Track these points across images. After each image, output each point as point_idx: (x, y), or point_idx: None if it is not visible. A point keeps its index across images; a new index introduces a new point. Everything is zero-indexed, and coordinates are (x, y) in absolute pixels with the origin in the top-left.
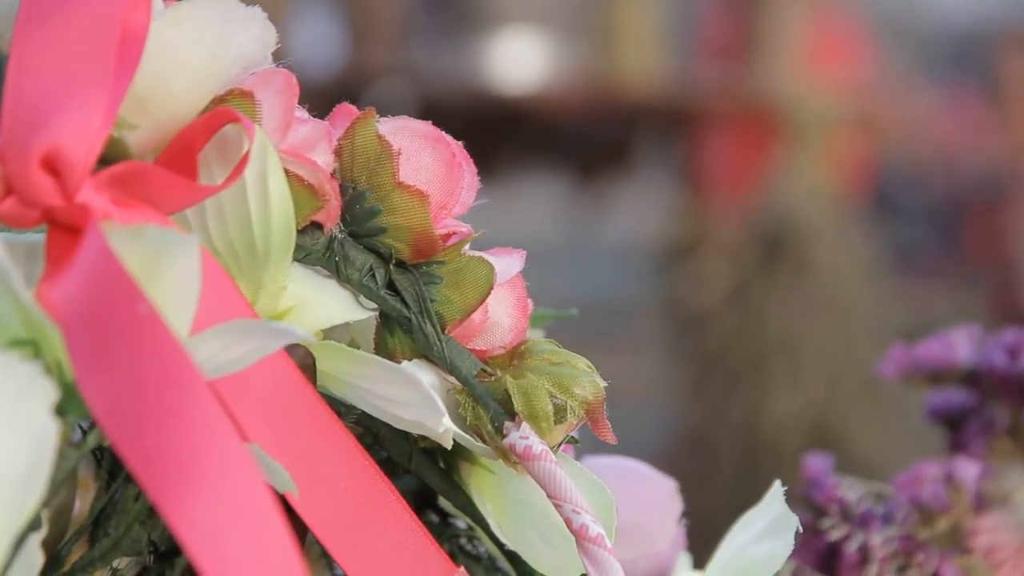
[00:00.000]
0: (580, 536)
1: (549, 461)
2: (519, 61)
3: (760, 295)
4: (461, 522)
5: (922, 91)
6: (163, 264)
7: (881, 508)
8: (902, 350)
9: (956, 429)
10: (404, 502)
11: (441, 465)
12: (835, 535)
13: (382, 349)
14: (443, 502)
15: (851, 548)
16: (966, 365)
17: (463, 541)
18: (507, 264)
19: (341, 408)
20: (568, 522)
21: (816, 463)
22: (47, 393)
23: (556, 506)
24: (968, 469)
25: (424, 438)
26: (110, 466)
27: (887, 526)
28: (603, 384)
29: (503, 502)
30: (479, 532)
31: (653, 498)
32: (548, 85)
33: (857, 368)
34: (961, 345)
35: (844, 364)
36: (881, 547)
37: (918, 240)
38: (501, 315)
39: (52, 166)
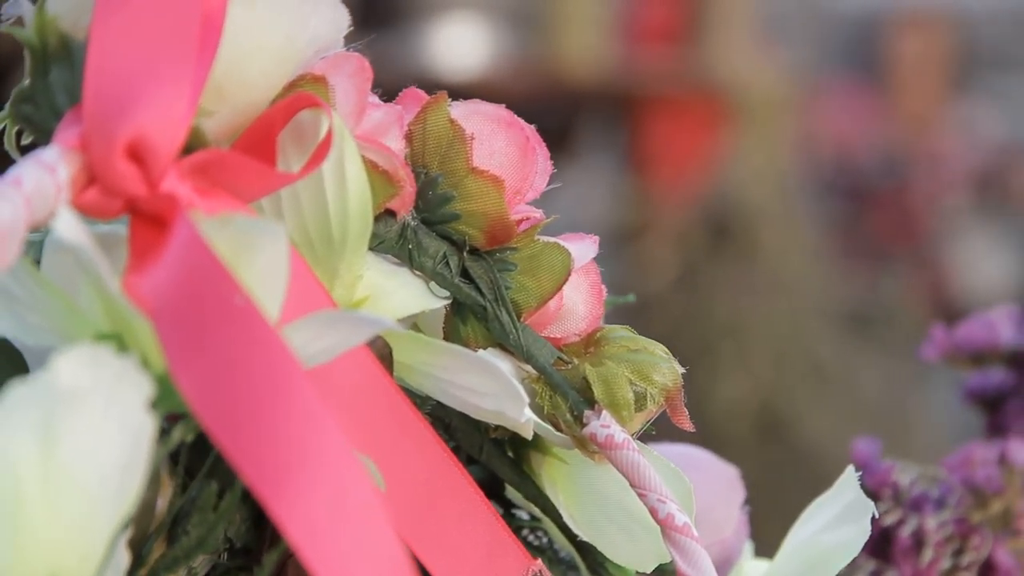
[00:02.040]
0: (666, 525)
1: (632, 450)
2: (462, 48)
3: (707, 279)
4: (524, 513)
5: (819, 77)
6: (251, 253)
7: (935, 491)
8: (944, 332)
9: (994, 410)
10: (482, 494)
11: (510, 455)
12: (888, 520)
13: (453, 338)
14: (509, 492)
15: (905, 533)
16: (1009, 346)
17: (526, 532)
18: (581, 250)
19: (416, 399)
20: (653, 512)
21: (864, 447)
22: (142, 388)
23: (640, 495)
24: (1021, 451)
25: (495, 428)
26: (188, 463)
27: (940, 510)
28: (681, 371)
29: (576, 492)
30: (545, 523)
31: (716, 485)
32: (491, 71)
33: (804, 350)
34: (1003, 325)
35: (791, 347)
36: (936, 531)
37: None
38: (576, 302)
39: (136, 154)
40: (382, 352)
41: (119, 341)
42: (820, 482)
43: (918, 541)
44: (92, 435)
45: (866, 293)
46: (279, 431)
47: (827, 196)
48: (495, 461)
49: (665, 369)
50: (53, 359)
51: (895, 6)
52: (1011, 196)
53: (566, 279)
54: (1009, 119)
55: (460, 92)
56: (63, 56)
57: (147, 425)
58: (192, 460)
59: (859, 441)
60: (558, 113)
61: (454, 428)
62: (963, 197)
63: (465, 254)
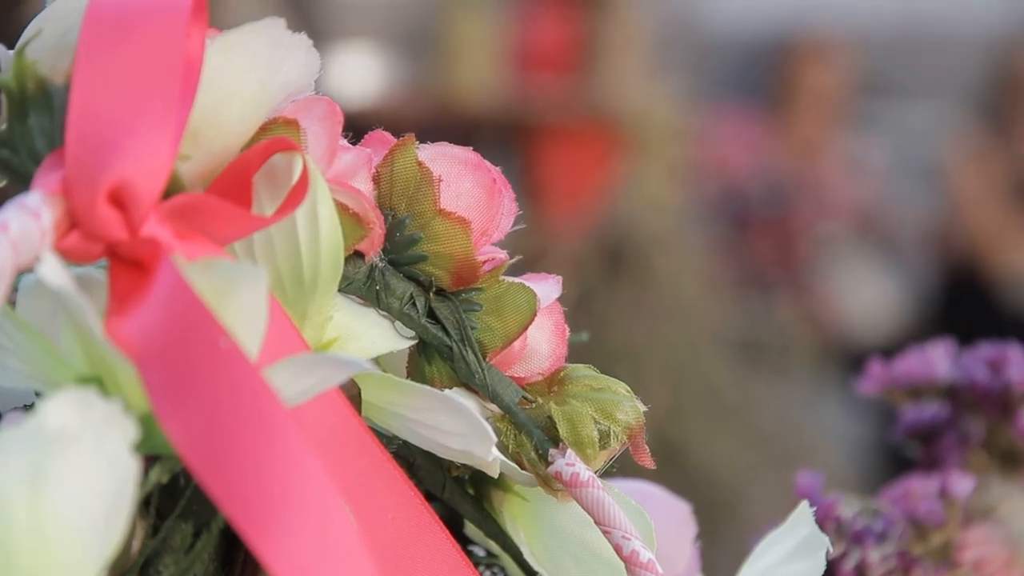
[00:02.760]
0: (631, 562)
1: (597, 487)
2: (357, 75)
3: (602, 305)
4: (480, 550)
5: (711, 105)
6: (232, 297)
7: (879, 524)
8: (881, 366)
9: (929, 443)
10: (448, 532)
11: (471, 493)
12: (832, 553)
13: (418, 378)
14: (468, 530)
15: (848, 566)
16: (945, 380)
17: (482, 569)
18: (545, 290)
19: (382, 439)
20: (618, 548)
21: (807, 480)
22: (128, 430)
23: (605, 532)
24: (961, 484)
25: (459, 466)
26: (158, 505)
27: (882, 543)
28: (643, 409)
29: (538, 530)
30: (503, 559)
31: (668, 521)
32: (385, 99)
33: (699, 376)
34: (939, 360)
35: (687, 372)
36: (879, 565)
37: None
38: (540, 341)
39: (119, 200)
40: (351, 392)
41: (99, 384)
42: (716, 507)
43: (860, 574)
44: (80, 478)
45: (757, 319)
46: (266, 472)
47: (714, 224)
48: (457, 499)
49: (628, 407)
50: (41, 402)
51: (789, 33)
52: (894, 225)
53: (532, 319)
54: (896, 148)
55: (354, 120)
56: (42, 101)
57: (132, 467)
58: (162, 502)
59: (801, 475)
60: (452, 141)
61: (417, 467)
62: (846, 226)
63: (431, 295)
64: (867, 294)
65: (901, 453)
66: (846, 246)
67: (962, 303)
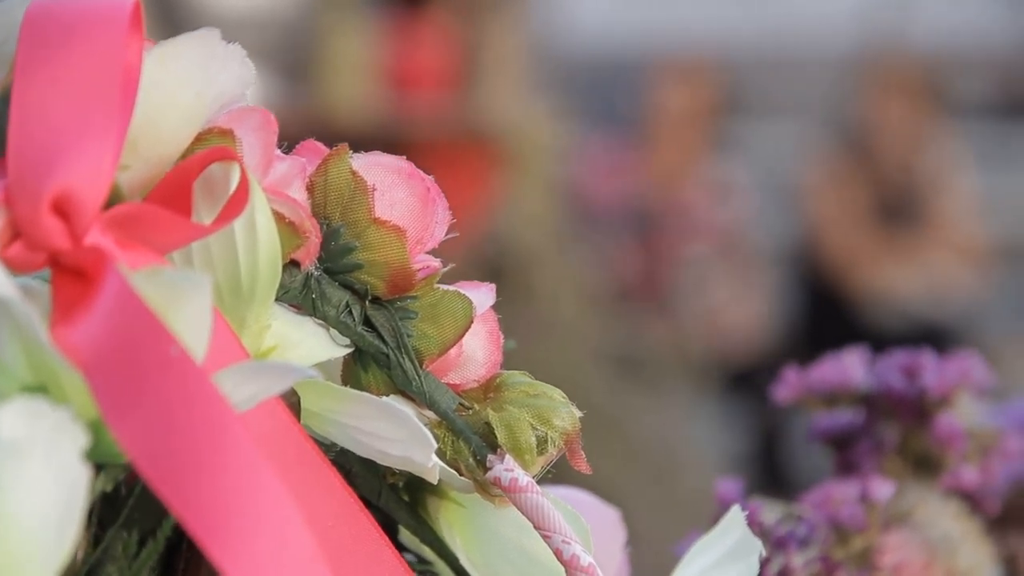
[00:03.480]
0: (570, 566)
1: (535, 492)
2: None
3: None
4: (412, 557)
5: (585, 125)
6: (178, 304)
7: (801, 530)
8: (796, 374)
9: (843, 450)
10: (387, 539)
11: (406, 500)
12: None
13: (354, 386)
14: (401, 536)
15: (771, 572)
16: (861, 387)
17: None
18: (480, 297)
19: (320, 446)
20: (558, 553)
21: (728, 487)
22: (78, 439)
23: (545, 537)
24: (882, 488)
25: (393, 474)
26: (100, 515)
27: (804, 548)
28: (579, 415)
29: (474, 536)
30: (438, 566)
31: (598, 527)
32: None
33: (579, 392)
34: (854, 367)
35: (566, 388)
36: (802, 570)
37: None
38: (475, 348)
39: (62, 209)
40: (291, 400)
41: (44, 393)
42: None
43: None
44: (32, 486)
45: (632, 337)
46: (221, 478)
47: (584, 243)
48: (393, 505)
49: (564, 413)
50: None
51: (650, 55)
52: (758, 244)
53: (468, 326)
54: (759, 168)
55: None
56: None
57: (83, 475)
58: (103, 511)
59: (723, 482)
60: None
61: (354, 474)
62: (711, 246)
63: (367, 303)
64: (734, 313)
65: (780, 468)
66: (712, 266)
67: (826, 321)
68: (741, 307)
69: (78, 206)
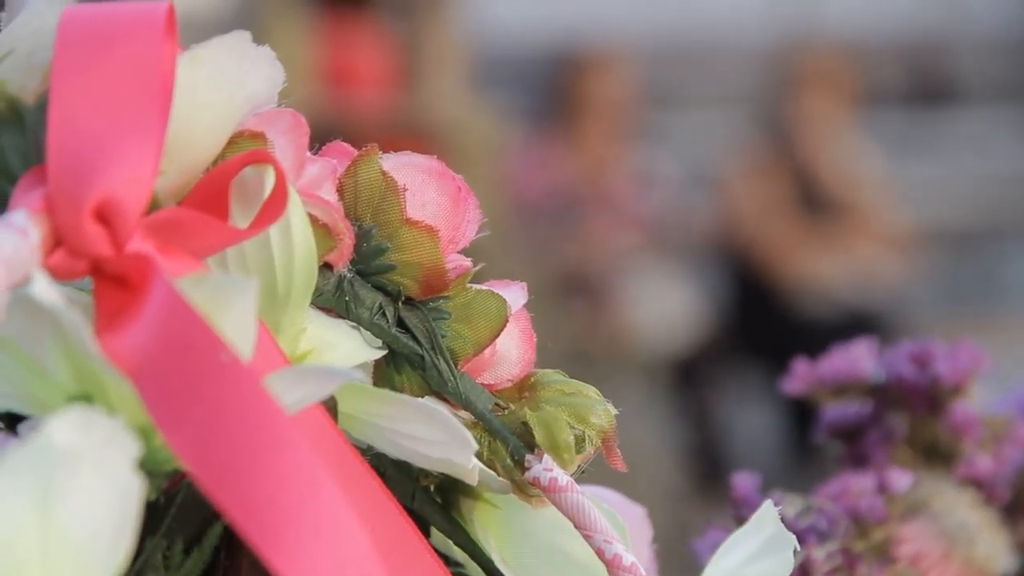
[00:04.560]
0: (614, 566)
1: (575, 492)
2: None
3: None
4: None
5: (520, 119)
6: (224, 309)
7: (822, 523)
8: (806, 365)
9: (853, 441)
10: (427, 543)
11: (439, 502)
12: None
13: (387, 388)
14: (432, 540)
15: (792, 566)
16: (871, 378)
17: None
18: (512, 296)
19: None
20: (600, 552)
21: (744, 481)
22: (130, 448)
23: (586, 537)
24: (900, 479)
25: (428, 476)
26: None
27: (825, 541)
28: (615, 412)
29: (509, 537)
30: (470, 568)
31: (627, 524)
32: None
33: None
34: (864, 358)
35: None
36: (823, 562)
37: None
38: (509, 348)
39: (104, 216)
40: (328, 404)
41: (90, 402)
42: None
43: (805, 573)
44: (86, 496)
45: (577, 332)
46: (277, 483)
47: (522, 238)
48: (427, 508)
49: (600, 411)
50: (45, 422)
51: (572, 47)
52: (688, 235)
53: (503, 326)
54: (684, 159)
55: None
56: (14, 120)
57: (136, 484)
58: (148, 520)
59: (738, 476)
60: None
61: (388, 477)
62: (639, 238)
63: (400, 304)
64: (664, 304)
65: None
66: (641, 258)
67: (756, 310)
68: (671, 298)
69: (120, 213)
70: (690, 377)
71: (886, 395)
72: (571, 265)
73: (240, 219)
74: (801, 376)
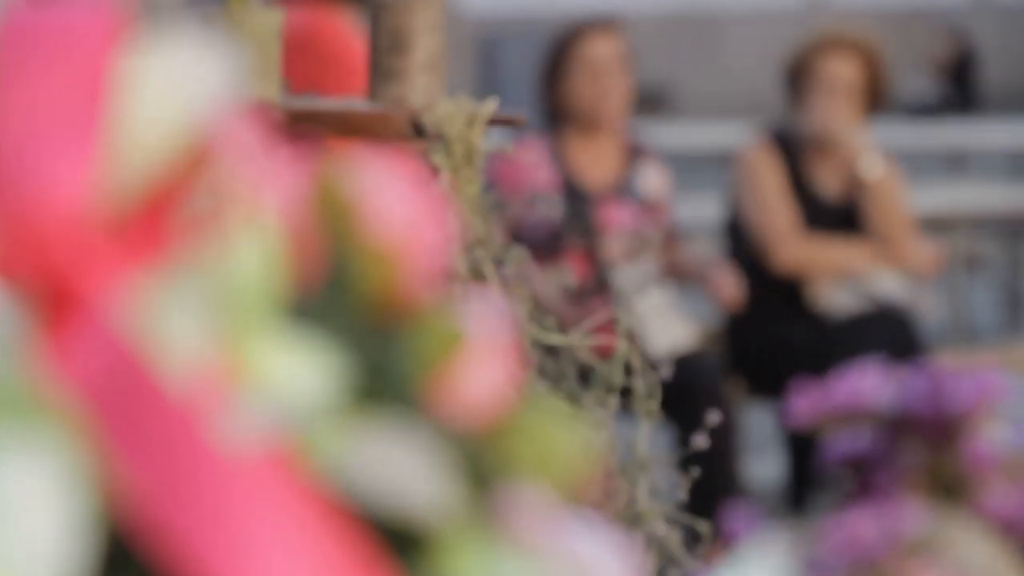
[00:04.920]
0: None
1: (554, 527)
2: None
3: None
4: None
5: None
6: (169, 326)
7: (826, 558)
8: (811, 394)
9: (862, 473)
10: None
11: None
12: None
13: (352, 420)
14: None
15: None
16: (882, 408)
17: None
18: (484, 322)
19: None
20: None
21: (745, 513)
22: (74, 485)
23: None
24: (906, 515)
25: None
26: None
27: None
28: (600, 440)
29: None
30: None
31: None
32: None
33: None
34: (875, 386)
35: None
36: None
37: None
38: (478, 374)
39: (43, 223)
40: (290, 435)
41: (34, 421)
42: None
43: None
44: (30, 535)
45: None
46: (225, 519)
47: None
48: (396, 547)
49: (580, 438)
50: None
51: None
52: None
53: (469, 350)
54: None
55: None
56: None
57: (84, 524)
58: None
59: (734, 509)
60: None
61: (354, 512)
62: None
63: (364, 328)
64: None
65: None
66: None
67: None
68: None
69: (61, 220)
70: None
71: (897, 426)
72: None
73: (198, 231)
74: (807, 404)
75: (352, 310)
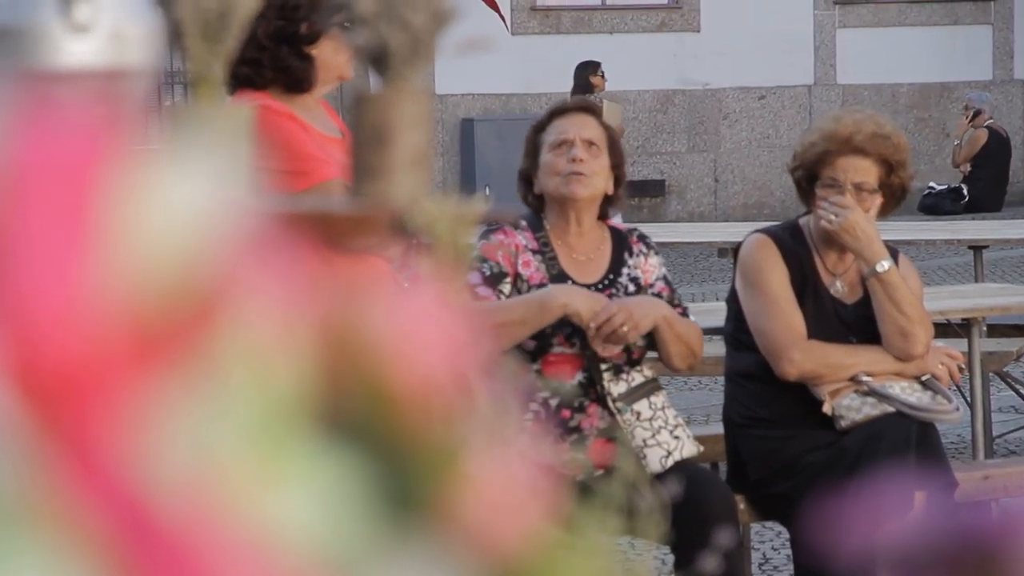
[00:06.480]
0: None
1: None
2: None
3: None
4: None
5: None
6: (174, 449)
7: None
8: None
9: None
10: None
11: None
12: None
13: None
14: None
15: None
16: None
17: None
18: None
19: None
20: None
21: None
22: None
23: None
24: None
25: None
26: None
27: None
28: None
29: None
30: None
31: None
32: None
33: None
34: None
35: None
36: None
37: None
38: (500, 499)
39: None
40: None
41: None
42: None
43: None
44: None
45: None
46: None
47: None
48: None
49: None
50: None
51: None
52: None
53: (489, 476)
54: None
55: None
56: None
57: None
58: None
59: None
60: None
61: None
62: None
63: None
64: None
65: None
66: None
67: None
68: None
69: (56, 326)
70: None
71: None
72: None
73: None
74: (819, 543)
75: (372, 432)
